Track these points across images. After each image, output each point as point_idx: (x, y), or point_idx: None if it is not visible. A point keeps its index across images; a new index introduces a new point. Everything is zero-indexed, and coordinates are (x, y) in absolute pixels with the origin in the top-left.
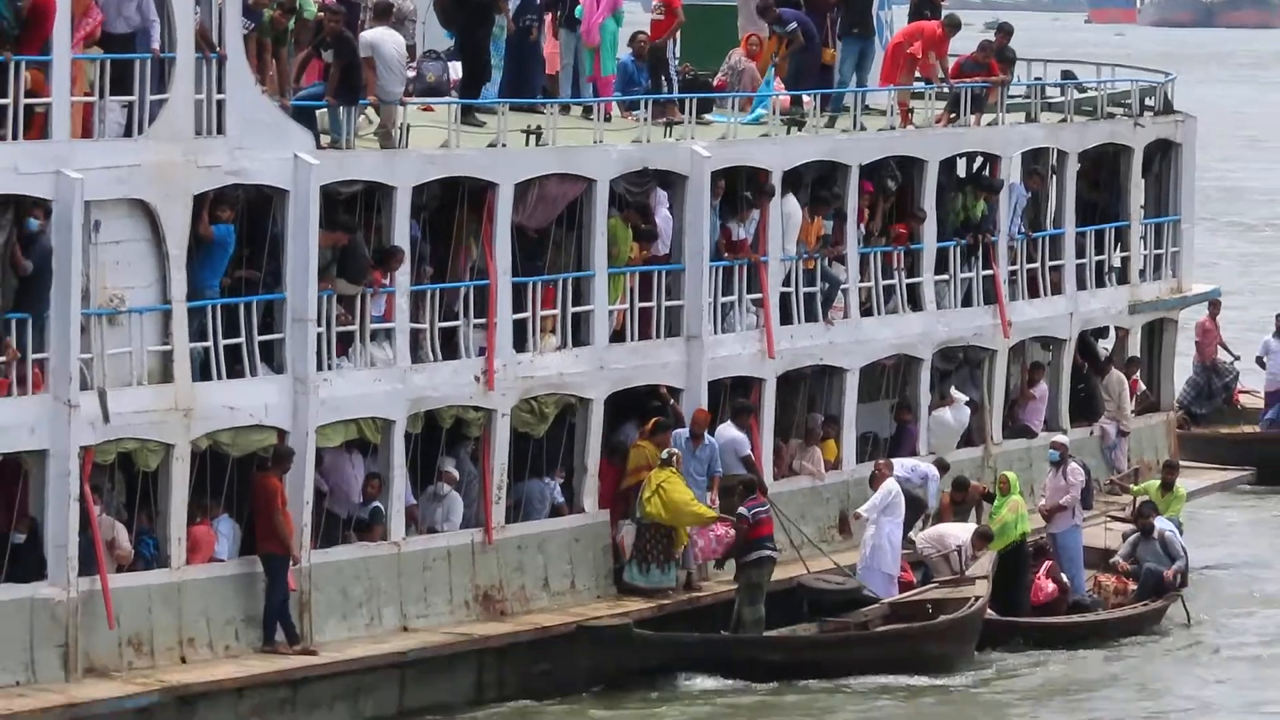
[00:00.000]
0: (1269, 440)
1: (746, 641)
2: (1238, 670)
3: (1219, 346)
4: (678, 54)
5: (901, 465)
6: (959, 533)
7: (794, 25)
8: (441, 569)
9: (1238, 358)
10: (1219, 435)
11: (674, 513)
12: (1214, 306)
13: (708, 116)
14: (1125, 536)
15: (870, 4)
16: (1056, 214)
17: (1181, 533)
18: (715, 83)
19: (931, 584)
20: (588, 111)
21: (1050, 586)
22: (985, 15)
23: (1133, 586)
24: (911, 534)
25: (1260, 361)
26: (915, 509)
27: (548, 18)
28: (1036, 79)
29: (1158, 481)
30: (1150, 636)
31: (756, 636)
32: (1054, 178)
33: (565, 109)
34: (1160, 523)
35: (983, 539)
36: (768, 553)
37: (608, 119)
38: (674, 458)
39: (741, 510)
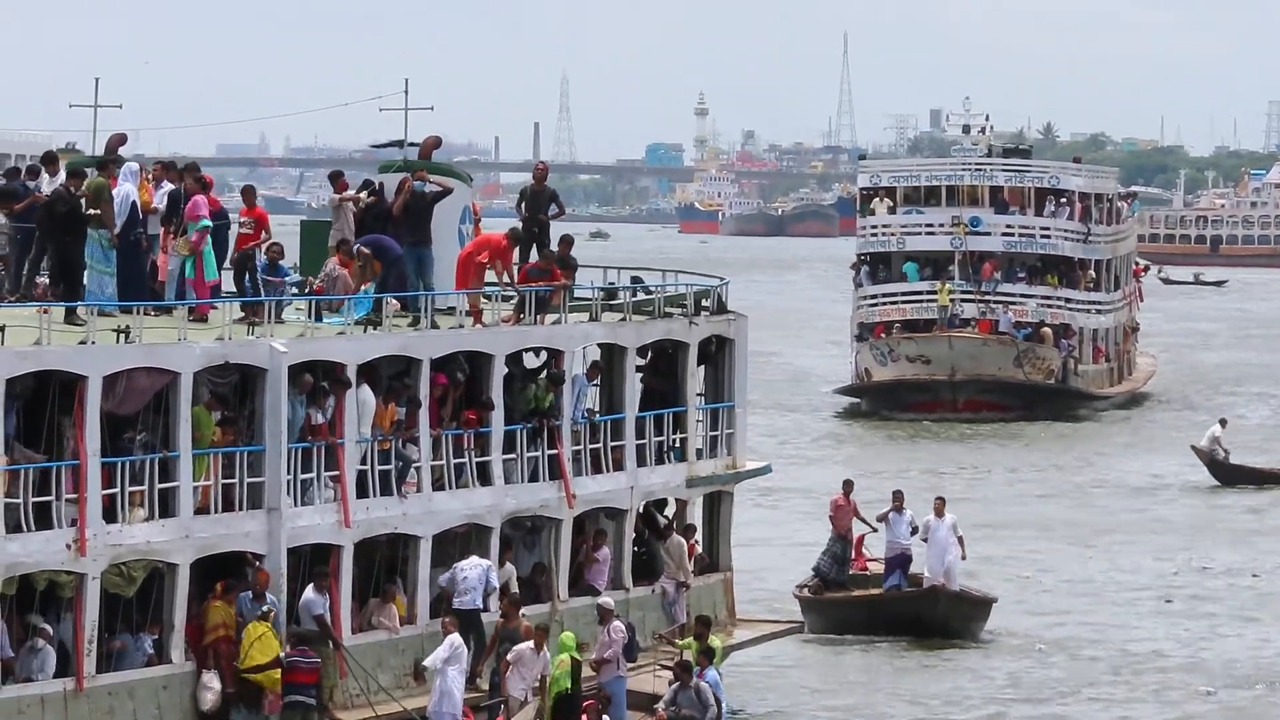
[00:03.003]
0: (890, 600)
1: None
2: None
3: (854, 519)
4: (298, 262)
5: None
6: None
7: (356, 248)
8: (34, 714)
9: (875, 529)
10: (850, 598)
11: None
12: (847, 485)
13: (303, 318)
14: (670, 684)
15: (427, 217)
16: (619, 399)
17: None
18: (315, 287)
19: None
20: (190, 311)
21: None
22: (591, 226)
23: None
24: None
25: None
26: None
27: (160, 232)
28: (610, 283)
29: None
30: None
31: None
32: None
33: (170, 310)
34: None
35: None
36: (297, 698)
37: (204, 319)
38: (271, 613)
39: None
